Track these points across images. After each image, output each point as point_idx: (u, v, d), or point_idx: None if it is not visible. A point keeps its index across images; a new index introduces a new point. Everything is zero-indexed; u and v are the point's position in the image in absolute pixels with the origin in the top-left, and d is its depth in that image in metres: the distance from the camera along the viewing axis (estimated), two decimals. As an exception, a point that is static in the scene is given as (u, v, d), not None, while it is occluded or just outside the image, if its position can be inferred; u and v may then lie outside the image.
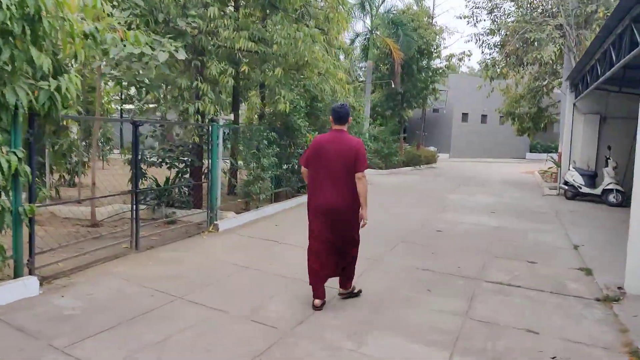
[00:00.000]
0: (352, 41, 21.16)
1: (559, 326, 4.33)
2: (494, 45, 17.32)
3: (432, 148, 34.56)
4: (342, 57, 18.31)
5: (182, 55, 5.79)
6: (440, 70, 24.02)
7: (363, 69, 22.11)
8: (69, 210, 7.72)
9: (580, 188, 12.95)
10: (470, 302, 4.85)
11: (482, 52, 17.39)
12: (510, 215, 10.55)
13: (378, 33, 21.72)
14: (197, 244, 6.73)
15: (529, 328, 4.23)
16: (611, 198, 12.25)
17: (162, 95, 7.62)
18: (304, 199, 11.65)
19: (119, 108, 14.92)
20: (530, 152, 41.16)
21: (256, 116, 12.42)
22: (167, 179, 8.00)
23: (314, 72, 8.19)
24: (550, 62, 18.23)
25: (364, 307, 4.63)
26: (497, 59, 16.92)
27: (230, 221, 7.84)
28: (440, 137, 38.44)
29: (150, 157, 7.63)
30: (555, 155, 17.18)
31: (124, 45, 5.16)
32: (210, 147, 7.26)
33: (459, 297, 4.98)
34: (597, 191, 12.60)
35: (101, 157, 13.31)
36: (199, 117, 7.25)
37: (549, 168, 17.80)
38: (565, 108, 14.92)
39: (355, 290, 4.92)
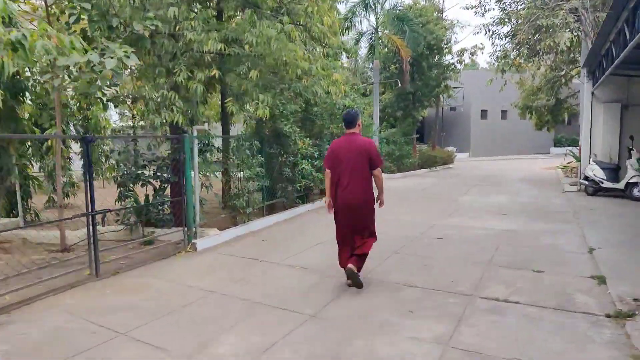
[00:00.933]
0: (357, 41, 20.53)
1: (558, 352, 3.63)
2: (504, 35, 16.44)
3: (451, 148, 33.57)
4: (344, 57, 17.76)
5: (132, 61, 5.33)
6: (452, 67, 23.13)
7: (372, 69, 21.45)
8: (41, 235, 7.35)
9: (602, 183, 12.01)
10: (457, 326, 4.17)
11: (493, 44, 16.48)
12: (523, 216, 9.74)
13: (385, 31, 21.05)
14: (169, 267, 6.23)
15: (521, 357, 3.55)
16: (635, 192, 11.29)
17: (130, 108, 7.18)
18: (301, 209, 11.25)
19: (121, 125, 14.72)
20: (555, 146, 39.64)
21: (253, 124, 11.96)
22: (147, 196, 7.55)
23: (295, 74, 7.61)
24: (567, 49, 17.25)
25: (328, 335, 4.02)
26: (508, 49, 16.03)
27: (212, 239, 7.33)
28: (459, 136, 37.39)
29: (122, 175, 7.19)
30: (575, 149, 16.16)
31: (67, 53, 4.70)
32: (181, 160, 6.78)
33: (445, 320, 4.31)
34: (620, 185, 11.64)
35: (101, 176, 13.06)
36: (167, 128, 6.76)
37: (569, 163, 16.77)
38: (583, 98, 13.97)
39: (359, 276, 5.21)
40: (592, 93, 13.19)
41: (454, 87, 31.62)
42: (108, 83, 5.49)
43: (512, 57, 16.08)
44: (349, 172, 5.07)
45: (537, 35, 15.89)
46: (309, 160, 10.38)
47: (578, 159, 13.73)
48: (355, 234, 5.29)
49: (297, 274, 5.81)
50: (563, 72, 18.89)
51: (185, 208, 6.94)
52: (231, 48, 7.21)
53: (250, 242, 7.68)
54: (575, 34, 16.58)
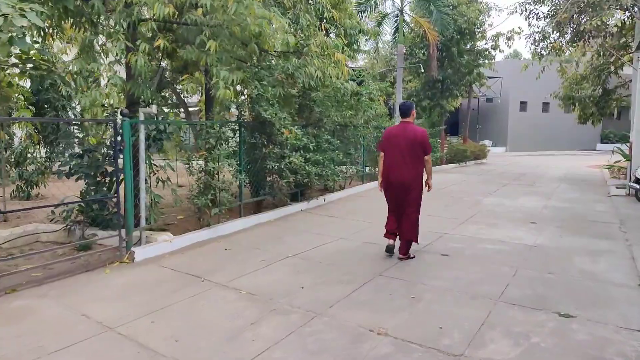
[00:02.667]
0: (379, 23, 18.78)
1: None
2: (543, 15, 14.41)
3: (486, 142, 31.38)
4: (363, 41, 16.16)
5: (36, 21, 4.04)
6: (486, 53, 21.02)
7: (397, 54, 19.73)
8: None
9: (657, 187, 10.05)
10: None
11: (530, 25, 14.49)
12: (555, 226, 8.01)
13: (409, 13, 19.24)
14: (85, 284, 4.96)
15: None
16: (699, 200, 9.30)
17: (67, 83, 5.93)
18: (292, 209, 9.66)
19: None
20: (602, 142, 36.68)
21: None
22: (82, 192, 6.33)
23: (272, 48, 6.21)
24: (617, 31, 15.03)
25: None
26: (547, 31, 13.99)
27: (158, 246, 6.03)
28: (495, 129, 35.08)
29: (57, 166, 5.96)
30: (625, 146, 14.04)
31: None
32: (119, 150, 5.48)
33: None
34: (680, 191, 9.66)
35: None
36: (100, 110, 5.50)
37: (616, 162, 14.63)
38: (636, 87, 11.92)
39: (412, 256, 5.96)
40: (647, 80, 11.15)
41: (491, 77, 29.41)
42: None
43: (552, 39, 14.04)
44: (401, 156, 5.71)
45: (582, 15, 13.81)
46: (302, 152, 8.95)
47: (628, 158, 11.72)
48: (401, 213, 5.91)
49: (235, 305, 4.41)
50: (612, 59, 16.59)
51: (125, 208, 5.66)
52: (188, 15, 5.83)
53: (209, 250, 6.33)
54: (629, 13, 14.40)
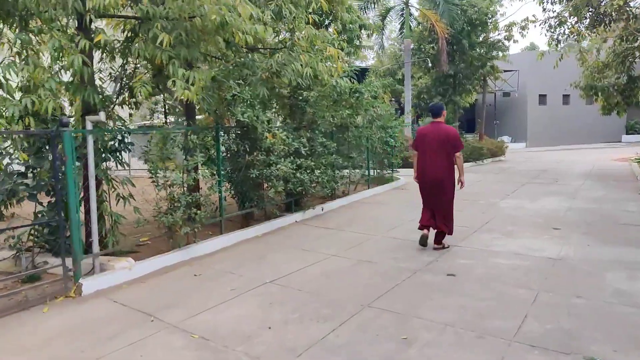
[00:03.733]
0: (383, 17, 17.84)
1: None
2: (560, 0, 13.28)
3: (505, 138, 30.07)
4: (366, 37, 15.25)
5: None
6: (499, 44, 19.86)
7: (403, 49, 18.74)
8: None
9: (697, 182, 8.88)
10: None
11: (544, 10, 13.34)
12: (582, 233, 6.97)
13: (416, 6, 18.29)
14: (11, 328, 4.15)
15: None
16: None
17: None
18: (285, 221, 8.49)
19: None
20: (627, 134, 34.95)
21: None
22: (35, 214, 5.57)
23: (243, 41, 5.37)
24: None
25: None
26: (563, 15, 12.87)
27: (116, 275, 5.21)
28: (514, 124, 33.66)
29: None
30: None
31: None
32: (58, 165, 4.68)
33: None
34: None
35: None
36: (31, 120, 4.70)
37: (647, 154, 13.38)
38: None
39: (446, 246, 6.33)
40: (680, 63, 9.97)
41: (507, 70, 28.19)
42: None
43: (569, 24, 12.91)
44: (434, 154, 6.07)
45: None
46: (293, 158, 8.08)
47: (660, 150, 10.56)
48: (435, 207, 6.26)
49: (178, 357, 3.55)
50: (637, 43, 15.33)
51: (70, 231, 4.86)
52: (141, 5, 5.02)
53: (176, 277, 5.48)
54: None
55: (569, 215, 8.38)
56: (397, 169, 14.97)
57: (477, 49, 19.50)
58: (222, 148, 7.20)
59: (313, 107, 8.85)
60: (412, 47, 19.80)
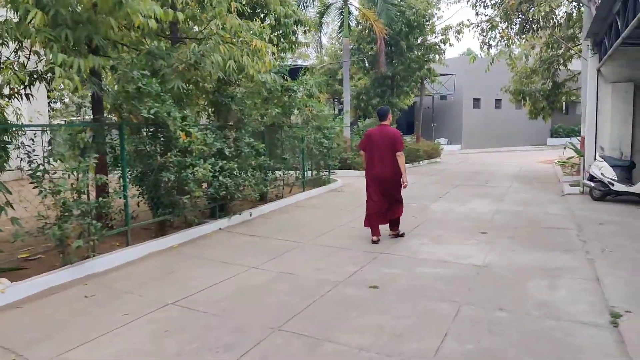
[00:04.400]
0: (322, 14, 17.55)
1: None
2: (491, 4, 13.55)
3: (441, 140, 30.73)
4: (302, 33, 14.85)
5: None
6: (435, 47, 20.14)
7: (342, 49, 18.54)
8: None
9: (612, 185, 9.21)
10: None
11: (477, 14, 13.59)
12: (508, 237, 6.94)
13: (355, 5, 18.13)
14: None
15: None
16: (659, 198, 8.50)
17: None
18: (207, 229, 7.62)
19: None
20: (552, 137, 36.89)
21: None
22: None
23: (143, 23, 4.78)
24: (566, 22, 14.40)
25: None
26: (495, 19, 13.12)
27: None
28: (450, 127, 34.52)
29: None
30: (576, 140, 13.34)
31: None
32: None
33: None
34: (637, 189, 8.84)
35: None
36: None
37: (569, 158, 13.92)
38: (586, 77, 11.15)
39: (401, 233, 7.09)
40: (598, 71, 10.36)
41: (443, 74, 28.81)
42: None
43: (500, 29, 13.19)
44: (380, 154, 6.63)
45: (530, 5, 13.01)
46: (216, 159, 7.54)
47: (580, 154, 10.94)
48: (384, 201, 6.78)
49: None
50: (561, 51, 16.01)
51: None
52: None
53: (62, 300, 4.76)
54: (575, 3, 13.77)
55: (496, 218, 8.39)
56: (335, 171, 14.74)
57: (415, 51, 19.66)
58: (131, 148, 6.53)
59: (239, 104, 8.33)
60: (351, 46, 19.65)
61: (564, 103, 18.16)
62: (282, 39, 12.60)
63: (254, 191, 8.96)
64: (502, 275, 5.19)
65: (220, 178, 7.56)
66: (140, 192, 7.23)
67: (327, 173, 13.58)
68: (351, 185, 13.78)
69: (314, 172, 13.22)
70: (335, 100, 29.23)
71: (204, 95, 8.82)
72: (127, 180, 6.56)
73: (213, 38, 6.73)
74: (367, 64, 18.92)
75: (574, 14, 14.26)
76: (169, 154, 6.77)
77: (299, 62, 33.62)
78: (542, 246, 6.37)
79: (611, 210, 8.63)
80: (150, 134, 7.01)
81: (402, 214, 7.09)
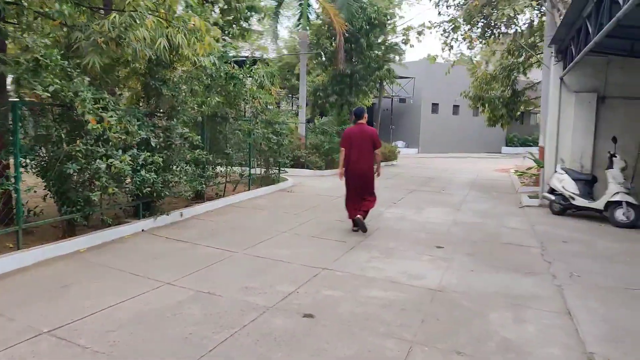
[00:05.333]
0: (279, 3, 16.56)
1: None
2: (454, 4, 13.02)
3: (399, 143, 30.39)
4: (256, 21, 13.84)
5: None
6: (396, 47, 19.57)
7: (300, 42, 17.58)
8: None
9: (573, 199, 8.74)
10: None
11: (440, 14, 13.05)
12: (466, 253, 6.23)
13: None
14: None
15: None
16: (620, 215, 8.07)
17: None
18: (127, 230, 6.37)
19: None
20: (507, 146, 37.42)
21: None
22: None
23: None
24: (528, 29, 14.09)
25: None
26: (458, 20, 12.57)
27: None
28: (408, 130, 34.28)
29: None
30: (535, 150, 12.99)
31: None
32: None
33: None
34: (599, 204, 8.39)
35: None
36: None
37: (528, 169, 13.58)
38: (549, 86, 10.71)
39: (364, 222, 7.28)
40: (561, 79, 9.92)
41: (403, 77, 28.45)
42: None
43: (462, 31, 12.66)
44: (358, 151, 7.12)
45: (492, 8, 12.55)
46: (139, 150, 6.45)
47: (541, 165, 10.49)
48: (360, 194, 7.28)
49: None
50: (522, 58, 15.73)
51: None
52: None
53: None
54: (537, 11, 13.45)
55: (453, 231, 7.71)
56: (286, 170, 13.81)
57: (375, 50, 18.99)
58: (28, 132, 5.36)
59: (172, 90, 7.24)
60: (310, 41, 18.79)
61: (521, 112, 17.95)
62: (233, 25, 11.60)
63: (188, 189, 7.92)
64: (460, 304, 4.42)
65: (143, 172, 6.47)
66: (46, 185, 6.07)
67: (277, 171, 12.62)
68: (302, 186, 12.90)
69: (263, 170, 12.23)
70: (293, 96, 28.28)
71: (134, 77, 7.70)
72: (21, 169, 5.38)
73: (139, 10, 5.65)
74: (324, 59, 18.08)
75: (536, 22, 13.95)
76: (78, 141, 5.63)
77: (257, 54, 32.48)
78: (503, 266, 5.68)
79: (573, 227, 8.13)
80: (57, 117, 5.85)
81: (375, 206, 7.56)
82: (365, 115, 7.37)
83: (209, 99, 8.50)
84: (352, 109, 7.62)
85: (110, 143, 6.00)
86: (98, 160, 5.66)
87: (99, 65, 5.84)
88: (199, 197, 9.14)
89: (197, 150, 8.04)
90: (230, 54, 9.76)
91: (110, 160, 5.80)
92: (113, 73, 7.10)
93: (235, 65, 9.26)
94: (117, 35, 5.93)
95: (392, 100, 33.27)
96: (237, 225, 7.72)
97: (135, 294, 4.44)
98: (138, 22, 5.73)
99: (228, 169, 10.19)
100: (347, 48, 18.42)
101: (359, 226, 7.19)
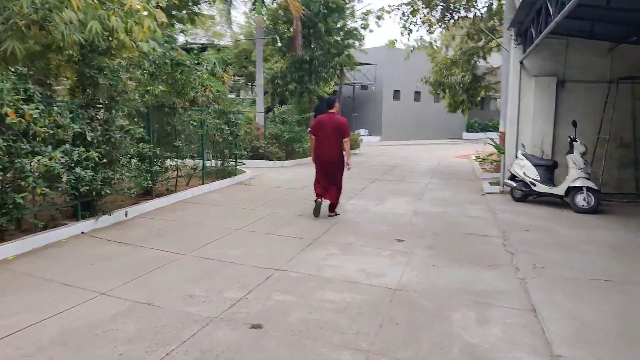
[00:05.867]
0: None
1: None
2: (413, -12, 12.75)
3: (361, 131, 30.23)
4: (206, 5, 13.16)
5: None
6: (355, 32, 19.19)
7: (256, 27, 16.94)
8: None
9: (534, 185, 8.67)
10: None
11: (398, -4, 12.78)
12: (427, 247, 5.97)
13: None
14: None
15: None
16: (580, 200, 8.02)
17: None
18: (70, 230, 5.76)
19: None
20: (468, 131, 37.88)
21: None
22: None
23: None
24: (487, 13, 13.98)
25: None
26: (417, 2, 12.30)
27: None
28: (370, 118, 34.14)
29: None
30: (496, 136, 12.97)
31: None
32: None
33: None
34: (559, 190, 8.34)
35: None
36: None
37: (489, 155, 13.55)
38: (507, 70, 10.62)
39: (338, 213, 7.70)
40: (521, 63, 9.80)
41: (364, 63, 28.17)
42: None
43: (421, 14, 12.41)
44: (328, 138, 7.33)
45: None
46: (72, 145, 5.85)
47: (502, 151, 10.40)
48: (327, 181, 7.49)
49: None
50: (481, 43, 15.68)
51: None
52: None
53: None
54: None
55: (414, 221, 7.47)
56: (244, 161, 13.29)
57: (334, 36, 18.54)
58: None
59: (110, 78, 6.62)
60: (267, 26, 18.18)
61: (481, 98, 17.98)
62: (180, 9, 10.94)
63: (132, 185, 7.35)
64: (421, 305, 4.13)
65: (78, 170, 5.89)
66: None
67: (233, 163, 12.10)
68: (261, 178, 12.44)
69: (220, 162, 11.68)
70: (252, 84, 27.56)
71: (67, 66, 7.02)
72: None
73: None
74: (280, 44, 17.53)
75: (495, 5, 13.86)
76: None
77: (215, 41, 31.46)
78: (465, 259, 5.45)
79: (534, 213, 8.03)
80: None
81: (339, 198, 7.72)
82: (337, 104, 7.59)
83: (152, 88, 7.90)
84: (324, 98, 7.32)
85: (38, 138, 5.39)
86: (22, 158, 5.05)
87: (19, 51, 5.21)
88: (148, 194, 8.58)
89: (142, 144, 7.47)
90: (181, 40, 9.16)
91: (38, 157, 5.20)
92: (43, 61, 6.42)
93: (183, 52, 8.67)
94: (41, 17, 5.31)
95: (354, 87, 32.99)
96: (187, 223, 7.22)
97: (63, 308, 3.94)
98: (63, 1, 5.12)
99: (179, 163, 9.63)
100: (305, 33, 17.93)
101: (315, 211, 7.44)
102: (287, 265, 5.15)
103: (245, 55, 24.32)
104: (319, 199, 7.41)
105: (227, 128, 10.32)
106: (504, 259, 5.46)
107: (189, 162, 10.10)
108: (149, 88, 7.69)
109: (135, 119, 8.23)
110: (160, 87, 7.86)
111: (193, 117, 9.61)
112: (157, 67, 7.96)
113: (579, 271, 5.03)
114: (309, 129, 7.74)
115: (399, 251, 5.77)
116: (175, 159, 9.37)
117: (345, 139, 7.35)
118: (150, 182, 7.86)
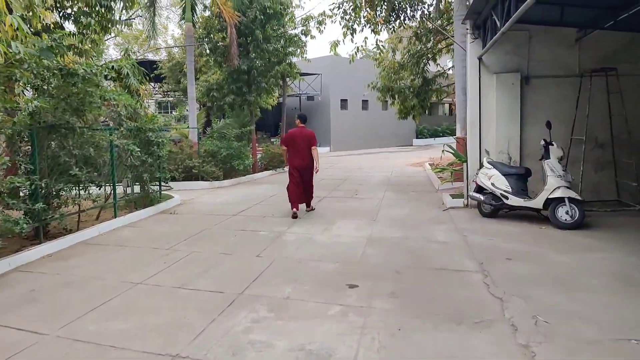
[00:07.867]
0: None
1: None
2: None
3: (310, 142, 28.83)
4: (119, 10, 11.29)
5: None
6: (296, 38, 17.78)
7: (186, 36, 15.16)
8: None
9: (506, 198, 7.42)
10: None
11: (338, -6, 11.44)
12: (388, 295, 4.48)
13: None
14: None
15: None
16: (563, 214, 6.83)
17: None
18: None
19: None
20: (417, 137, 37.37)
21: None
22: None
23: None
24: (435, 10, 12.92)
25: None
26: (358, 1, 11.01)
27: None
28: (319, 129, 32.64)
29: None
30: (451, 141, 11.78)
31: None
32: None
33: None
34: (537, 203, 7.13)
35: None
36: None
37: (449, 164, 12.34)
38: (463, 69, 9.47)
39: (314, 208, 9.18)
40: (480, 59, 8.65)
41: (309, 73, 26.93)
42: None
43: (365, 12, 11.12)
44: (299, 148, 8.60)
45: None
46: None
47: (463, 159, 9.15)
48: (303, 187, 8.70)
49: None
50: (430, 44, 14.64)
51: None
52: None
53: None
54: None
55: (369, 254, 5.99)
56: (169, 185, 11.47)
57: (274, 43, 17.02)
58: None
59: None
60: (200, 35, 16.48)
61: (433, 101, 16.96)
62: (88, 16, 9.10)
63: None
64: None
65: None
66: None
67: (156, 189, 10.28)
68: (192, 203, 10.68)
69: (141, 188, 9.82)
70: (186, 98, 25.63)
71: None
72: None
73: None
74: (213, 53, 15.85)
75: (443, 3, 12.83)
76: None
77: (149, 56, 29.31)
78: (441, 314, 3.99)
79: (510, 233, 6.75)
80: None
81: (313, 194, 9.17)
82: (306, 119, 9.16)
83: (29, 104, 6.07)
84: (302, 114, 9.13)
85: None
86: None
87: None
88: (36, 237, 6.69)
89: (11, 177, 5.62)
90: (111, 54, 7.37)
91: None
92: None
93: (61, 52, 6.85)
94: None
95: (300, 98, 31.67)
96: (74, 279, 5.41)
97: None
98: None
99: (82, 194, 7.77)
100: (242, 42, 16.32)
101: (294, 217, 8.42)
102: (190, 349, 3.50)
103: (180, 68, 22.44)
104: (295, 210, 8.50)
105: (138, 149, 8.50)
106: (493, 310, 4.04)
107: (97, 192, 8.25)
108: (17, 105, 5.85)
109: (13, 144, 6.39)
110: (35, 102, 6.02)
111: (97, 138, 7.79)
112: (43, 80, 6.14)
113: (596, 325, 3.67)
114: (280, 140, 8.48)
115: (351, 306, 4.24)
116: (77, 190, 7.51)
117: (313, 147, 8.63)
118: (24, 225, 5.96)
